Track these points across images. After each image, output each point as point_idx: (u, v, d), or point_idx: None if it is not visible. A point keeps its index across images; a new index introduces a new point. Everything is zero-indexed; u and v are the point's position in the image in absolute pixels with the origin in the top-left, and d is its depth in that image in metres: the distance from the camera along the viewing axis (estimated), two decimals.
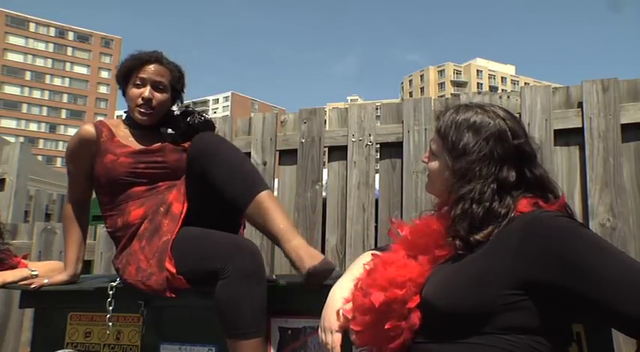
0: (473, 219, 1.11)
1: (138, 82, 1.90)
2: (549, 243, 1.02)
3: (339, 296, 1.29)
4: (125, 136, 1.92)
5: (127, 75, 1.93)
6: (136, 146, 1.89)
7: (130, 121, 1.96)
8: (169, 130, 1.92)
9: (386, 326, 1.12)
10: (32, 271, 1.98)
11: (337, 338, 1.24)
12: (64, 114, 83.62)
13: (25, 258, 2.29)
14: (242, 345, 1.50)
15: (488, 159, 1.15)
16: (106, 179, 1.85)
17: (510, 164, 1.15)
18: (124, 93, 1.95)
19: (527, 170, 1.16)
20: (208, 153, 1.69)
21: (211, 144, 1.72)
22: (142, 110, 1.89)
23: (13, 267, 2.10)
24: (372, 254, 1.36)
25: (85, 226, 1.98)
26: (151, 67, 1.90)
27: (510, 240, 1.06)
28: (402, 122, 2.61)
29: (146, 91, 1.88)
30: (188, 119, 1.95)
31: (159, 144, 1.90)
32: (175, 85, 1.97)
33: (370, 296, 1.16)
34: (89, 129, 1.90)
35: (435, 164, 1.25)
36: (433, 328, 1.10)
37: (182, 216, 1.72)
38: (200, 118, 1.96)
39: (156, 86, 1.90)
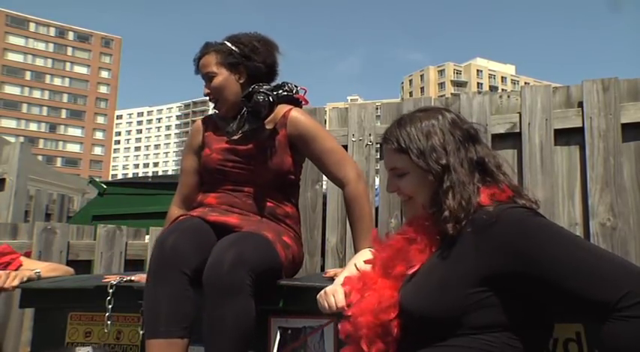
0: (464, 200, 1.12)
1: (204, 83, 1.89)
2: (506, 237, 1.04)
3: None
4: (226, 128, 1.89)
5: None
6: (230, 143, 1.84)
7: None
8: (234, 127, 1.81)
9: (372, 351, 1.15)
10: (35, 271, 1.99)
11: (340, 293, 1.28)
12: (64, 114, 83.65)
13: (27, 255, 2.30)
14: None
15: (457, 146, 1.19)
16: (204, 171, 1.90)
17: (470, 145, 1.20)
18: None
19: (478, 150, 1.20)
20: (215, 294, 1.50)
21: (223, 294, 1.49)
22: (213, 105, 1.90)
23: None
24: (358, 268, 1.36)
25: None
26: (200, 63, 1.88)
27: (469, 239, 1.08)
28: None
29: (205, 89, 1.88)
30: (252, 100, 1.80)
31: (246, 145, 1.82)
32: (227, 60, 1.83)
33: (357, 327, 1.18)
34: (198, 122, 1.99)
35: (410, 179, 1.23)
36: (410, 333, 1.12)
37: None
38: (255, 99, 1.78)
39: (208, 78, 1.86)
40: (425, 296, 1.10)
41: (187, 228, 1.66)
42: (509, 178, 1.20)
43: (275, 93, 1.81)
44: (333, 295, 1.27)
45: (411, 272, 1.18)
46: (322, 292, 1.32)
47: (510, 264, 1.02)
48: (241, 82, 1.86)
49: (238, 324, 1.46)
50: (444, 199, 1.14)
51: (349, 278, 1.31)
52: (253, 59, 1.85)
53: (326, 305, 1.28)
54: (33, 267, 2.05)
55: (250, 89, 1.80)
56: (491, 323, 1.04)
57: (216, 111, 1.95)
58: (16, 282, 1.89)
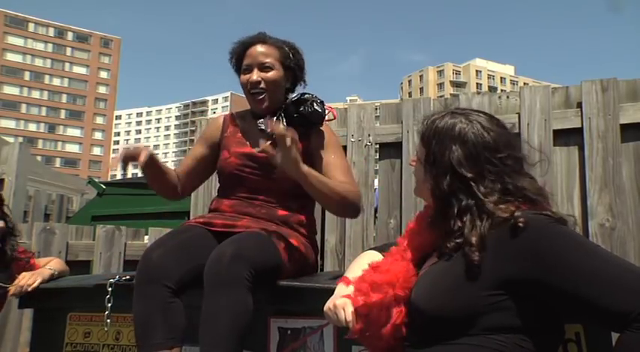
0: (477, 231, 1.09)
1: (245, 68, 1.84)
2: (528, 243, 1.03)
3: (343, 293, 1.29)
4: (248, 130, 1.87)
5: (237, 64, 1.88)
6: (249, 147, 1.83)
7: (252, 110, 1.90)
8: (262, 126, 1.80)
9: (366, 334, 1.14)
10: (52, 270, 2.00)
11: (349, 306, 1.21)
12: (63, 114, 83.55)
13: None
14: None
15: (471, 172, 1.12)
16: (219, 173, 1.91)
17: (493, 174, 1.12)
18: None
19: (511, 180, 1.13)
20: (212, 288, 1.49)
21: (220, 289, 1.48)
22: (253, 96, 1.83)
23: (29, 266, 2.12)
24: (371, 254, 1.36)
25: (171, 181, 1.88)
26: (255, 49, 1.83)
27: (490, 242, 1.07)
28: (402, 122, 2.61)
29: (253, 75, 1.81)
30: (301, 108, 1.81)
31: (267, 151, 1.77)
32: (286, 61, 1.85)
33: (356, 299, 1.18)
34: (218, 119, 1.97)
35: (419, 171, 1.25)
36: (422, 331, 1.11)
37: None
38: (310, 108, 1.80)
39: (262, 67, 1.81)
40: (439, 294, 1.09)
41: (175, 239, 1.66)
42: (535, 186, 1.15)
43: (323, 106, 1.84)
44: (343, 309, 1.22)
45: (425, 267, 1.17)
46: (331, 305, 1.25)
47: (530, 270, 1.01)
48: (287, 86, 1.88)
49: (235, 315, 1.45)
50: (454, 221, 1.12)
51: (358, 288, 1.25)
52: (302, 72, 1.91)
53: (336, 318, 1.24)
54: (43, 265, 2.07)
55: (300, 95, 1.83)
56: (503, 326, 1.03)
57: (238, 109, 1.94)
58: (38, 283, 1.89)
